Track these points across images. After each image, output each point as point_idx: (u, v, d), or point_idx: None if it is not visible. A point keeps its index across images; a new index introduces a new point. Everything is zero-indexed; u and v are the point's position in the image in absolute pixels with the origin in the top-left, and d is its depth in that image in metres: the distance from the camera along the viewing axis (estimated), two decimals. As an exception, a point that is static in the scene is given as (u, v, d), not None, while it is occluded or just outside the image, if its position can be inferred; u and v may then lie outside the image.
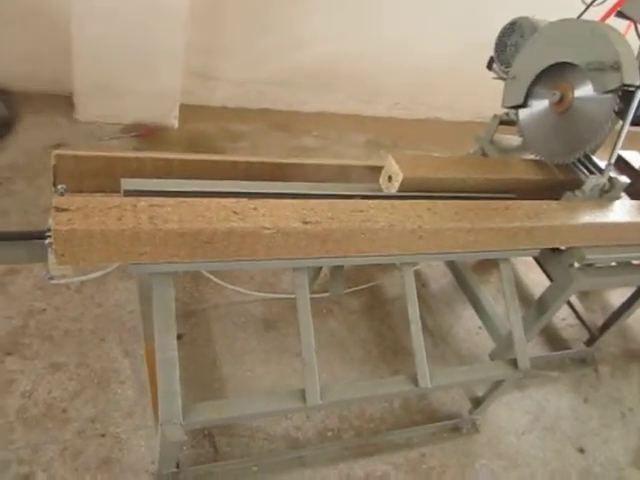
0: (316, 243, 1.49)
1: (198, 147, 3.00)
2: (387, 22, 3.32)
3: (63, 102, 2.94)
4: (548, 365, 2.48)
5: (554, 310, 2.09)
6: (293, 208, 1.49)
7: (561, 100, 1.90)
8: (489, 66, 2.33)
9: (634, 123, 2.05)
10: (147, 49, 2.73)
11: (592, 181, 1.93)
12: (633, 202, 2.06)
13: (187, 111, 3.16)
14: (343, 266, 1.94)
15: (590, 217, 1.87)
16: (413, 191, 1.81)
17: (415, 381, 1.68)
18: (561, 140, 1.94)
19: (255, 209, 1.46)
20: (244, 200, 1.48)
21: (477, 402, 2.09)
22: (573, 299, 2.73)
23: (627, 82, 1.67)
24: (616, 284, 2.43)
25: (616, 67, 1.68)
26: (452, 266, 2.69)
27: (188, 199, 1.41)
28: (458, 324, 2.54)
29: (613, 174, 2.01)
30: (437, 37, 3.41)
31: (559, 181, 2.05)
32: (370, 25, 3.29)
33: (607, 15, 2.33)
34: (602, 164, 2.01)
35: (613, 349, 2.73)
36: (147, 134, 2.94)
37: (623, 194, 2.07)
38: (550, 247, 1.91)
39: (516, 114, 2.12)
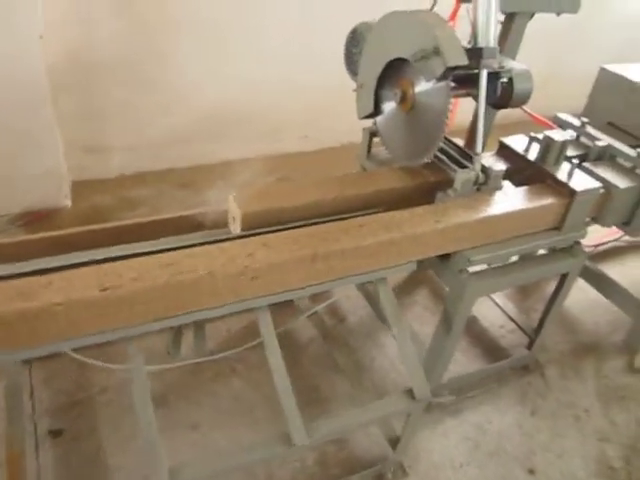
0: (123, 309, 1.31)
1: (94, 223, 2.84)
2: (271, 59, 3.23)
3: (-56, 204, 2.82)
4: (486, 380, 2.26)
5: (460, 322, 1.90)
6: (94, 275, 1.32)
7: (404, 98, 1.76)
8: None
9: (499, 106, 1.91)
10: (17, 131, 2.60)
11: (461, 176, 1.76)
12: (517, 189, 1.89)
13: (82, 187, 3.03)
14: (203, 324, 1.76)
15: (463, 216, 1.70)
16: (262, 227, 1.65)
17: (288, 440, 1.48)
18: (415, 139, 1.79)
19: (50, 284, 1.30)
20: (37, 277, 1.32)
21: (396, 441, 1.87)
22: (504, 302, 2.53)
23: (451, 64, 1.52)
24: (522, 280, 2.22)
25: (437, 52, 1.54)
26: (367, 295, 2.51)
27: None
28: (381, 355, 2.32)
29: (488, 163, 1.85)
30: (328, 62, 3.31)
31: (432, 183, 1.88)
32: (255, 64, 3.20)
33: (457, 6, 2.23)
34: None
35: (562, 346, 2.49)
36: (36, 220, 2.80)
37: (506, 182, 1.90)
38: (425, 257, 1.72)
39: (375, 123, 1.98)
